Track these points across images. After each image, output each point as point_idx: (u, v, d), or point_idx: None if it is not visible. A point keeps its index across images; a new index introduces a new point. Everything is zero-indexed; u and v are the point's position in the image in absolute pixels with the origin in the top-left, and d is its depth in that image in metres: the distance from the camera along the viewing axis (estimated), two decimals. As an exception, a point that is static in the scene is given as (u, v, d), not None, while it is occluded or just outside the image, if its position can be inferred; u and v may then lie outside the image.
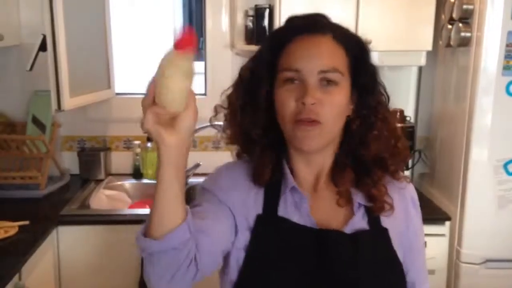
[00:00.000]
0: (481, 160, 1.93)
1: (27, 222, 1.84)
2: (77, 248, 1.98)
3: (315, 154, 0.97)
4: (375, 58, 2.19)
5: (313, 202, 0.97)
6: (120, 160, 2.53)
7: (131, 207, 2.27)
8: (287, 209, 0.96)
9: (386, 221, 0.98)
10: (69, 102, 2.03)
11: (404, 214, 1.01)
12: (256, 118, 0.96)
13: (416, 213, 1.05)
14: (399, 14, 2.10)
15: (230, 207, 0.97)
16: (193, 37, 0.75)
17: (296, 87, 0.91)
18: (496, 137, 1.91)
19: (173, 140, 0.78)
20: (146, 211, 2.06)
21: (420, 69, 2.44)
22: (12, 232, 1.77)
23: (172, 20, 4.05)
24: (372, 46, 2.18)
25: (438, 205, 2.13)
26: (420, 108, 2.47)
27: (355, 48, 0.96)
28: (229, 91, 1.00)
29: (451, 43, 2.06)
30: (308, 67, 0.91)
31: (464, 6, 1.93)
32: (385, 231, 0.97)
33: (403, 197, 1.02)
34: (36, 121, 2.32)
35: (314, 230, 0.94)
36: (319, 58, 0.91)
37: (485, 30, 1.85)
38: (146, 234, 0.84)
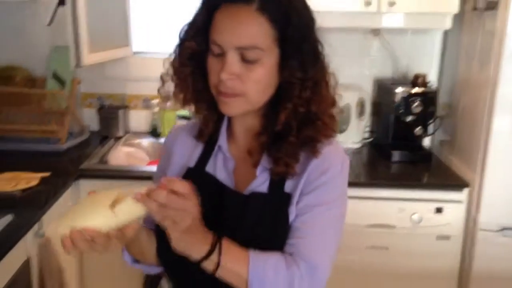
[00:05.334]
0: (503, 128, 1.89)
1: (48, 174, 1.88)
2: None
3: (242, 116, 0.98)
4: (400, 20, 2.16)
5: (241, 163, 1.02)
6: (138, 118, 2.54)
7: (149, 164, 2.29)
8: (216, 167, 1.02)
9: (291, 186, 0.97)
10: (88, 57, 2.03)
11: (314, 183, 0.97)
12: (206, 82, 0.97)
13: (328, 183, 0.97)
14: (425, -25, 2.04)
15: (171, 158, 1.07)
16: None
17: (219, 60, 0.91)
18: (520, 104, 1.87)
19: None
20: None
21: (446, 33, 2.38)
22: (33, 183, 1.81)
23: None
24: (396, 8, 2.14)
25: (456, 172, 2.11)
26: (444, 74, 2.42)
27: (283, 17, 0.90)
28: (172, 58, 1.00)
29: (478, 6, 1.99)
30: (226, 43, 0.89)
31: (494, -33, 1.86)
32: (285, 195, 0.97)
33: (319, 163, 0.97)
34: (56, 76, 2.33)
35: (222, 189, 0.99)
36: (237, 34, 0.88)
37: (515, -7, 1.78)
38: None
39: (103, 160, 2.16)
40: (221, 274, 0.89)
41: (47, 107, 2.26)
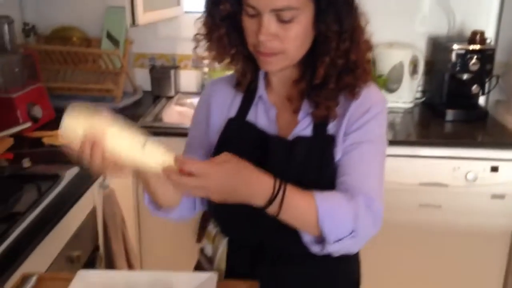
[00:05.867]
0: None
1: (107, 130, 1.94)
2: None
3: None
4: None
5: (281, 110, 1.03)
6: (188, 78, 2.58)
7: (200, 123, 2.33)
8: (257, 115, 1.04)
9: (334, 128, 0.99)
10: (142, 17, 2.06)
11: (357, 122, 0.98)
12: (242, 38, 0.98)
13: (371, 121, 0.99)
14: None
15: (210, 111, 1.09)
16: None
17: (254, 20, 0.92)
18: None
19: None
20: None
21: (505, -12, 2.29)
22: (94, 138, 1.88)
23: None
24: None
25: (513, 132, 2.07)
26: (502, 31, 2.33)
27: None
28: (203, 18, 1.01)
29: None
30: (261, 6, 0.90)
31: None
32: (329, 137, 0.99)
33: (360, 104, 0.99)
34: (110, 36, 2.37)
35: (265, 136, 1.01)
36: None
37: None
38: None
39: (157, 118, 2.21)
40: (285, 217, 0.89)
41: (102, 66, 2.32)
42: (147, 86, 2.55)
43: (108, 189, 1.72)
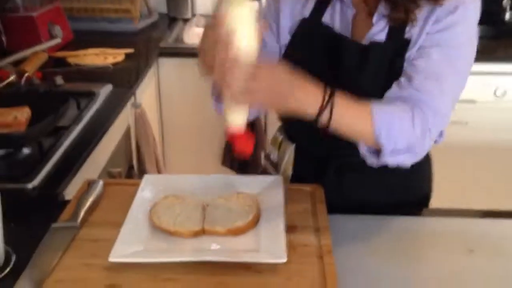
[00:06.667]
0: None
1: (132, 50, 1.89)
2: (175, 79, 2.05)
3: None
4: None
5: (359, 12, 0.96)
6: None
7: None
8: (333, 17, 0.97)
9: (412, 32, 0.91)
10: None
11: (440, 23, 0.89)
12: None
13: (457, 24, 0.89)
14: None
15: (280, 8, 1.01)
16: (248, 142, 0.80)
17: None
18: None
19: None
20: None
21: None
22: (120, 58, 1.83)
23: None
24: None
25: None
26: None
27: None
28: None
29: None
30: None
31: None
32: (405, 42, 0.91)
33: (446, 4, 0.89)
34: (123, -46, 2.26)
35: (339, 39, 0.95)
36: None
37: None
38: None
39: (178, 40, 2.16)
40: (338, 128, 0.84)
41: (117, -14, 2.23)
42: (162, 9, 2.46)
43: (140, 108, 1.70)
